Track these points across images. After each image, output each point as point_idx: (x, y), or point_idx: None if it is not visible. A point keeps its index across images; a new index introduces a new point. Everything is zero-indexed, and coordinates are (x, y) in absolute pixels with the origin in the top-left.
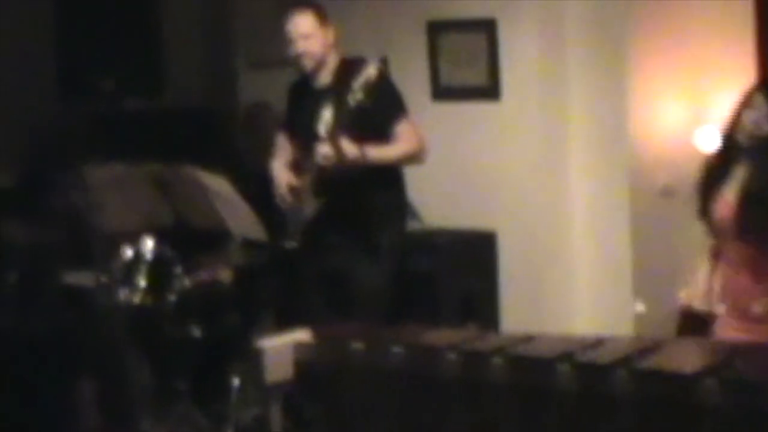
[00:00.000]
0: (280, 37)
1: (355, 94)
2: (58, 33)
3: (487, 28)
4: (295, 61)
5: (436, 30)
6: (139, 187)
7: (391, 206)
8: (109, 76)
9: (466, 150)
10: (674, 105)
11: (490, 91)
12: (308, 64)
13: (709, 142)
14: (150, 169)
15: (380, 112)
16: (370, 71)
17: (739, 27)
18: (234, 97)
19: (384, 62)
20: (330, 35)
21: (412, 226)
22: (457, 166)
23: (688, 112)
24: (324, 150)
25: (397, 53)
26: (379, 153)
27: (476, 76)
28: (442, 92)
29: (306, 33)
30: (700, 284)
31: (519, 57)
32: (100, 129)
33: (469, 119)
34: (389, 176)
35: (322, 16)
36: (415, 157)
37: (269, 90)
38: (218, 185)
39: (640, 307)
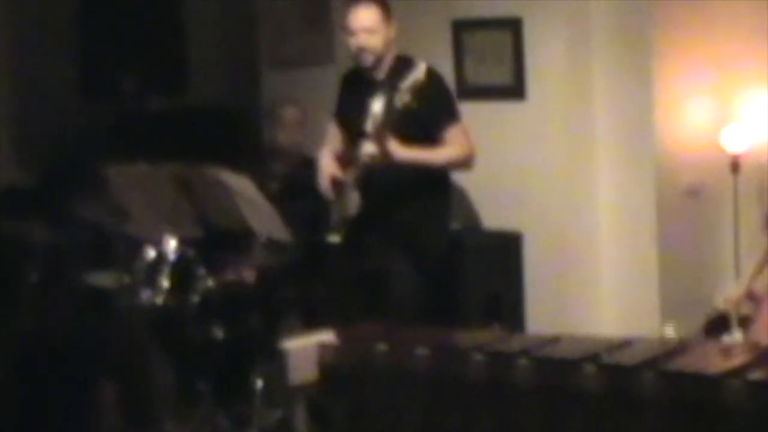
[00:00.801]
0: (303, 36)
1: (402, 96)
2: (80, 32)
3: (513, 26)
4: (355, 55)
5: (461, 28)
6: (161, 187)
7: (435, 209)
8: (131, 76)
9: (491, 150)
10: (700, 104)
11: (515, 90)
12: (368, 59)
13: (735, 141)
14: (172, 169)
15: (430, 115)
16: (419, 74)
17: (766, 25)
18: (257, 96)
19: None
20: (392, 31)
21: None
22: (482, 166)
23: (715, 112)
24: (369, 148)
25: (422, 52)
26: (425, 156)
27: (501, 75)
28: (467, 91)
29: (370, 27)
30: (741, 288)
31: (545, 56)
32: (123, 129)
33: (495, 119)
34: (436, 179)
35: (386, 11)
36: (462, 164)
37: (292, 89)
38: (241, 185)
39: (669, 330)
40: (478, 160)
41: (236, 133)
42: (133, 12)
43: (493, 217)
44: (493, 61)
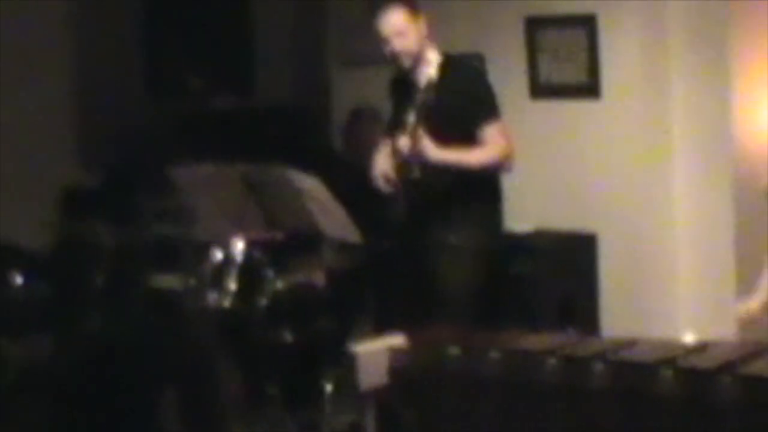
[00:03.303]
0: (372, 35)
1: (422, 94)
2: (146, 31)
3: (587, 24)
4: (392, 60)
5: (535, 26)
6: (228, 187)
7: (482, 207)
8: (198, 75)
9: (565, 149)
10: None
11: (590, 88)
12: (406, 61)
13: None
14: (240, 170)
15: (468, 112)
16: (430, 71)
17: None
18: (326, 95)
19: (481, 60)
20: (423, 27)
21: None
22: (556, 166)
23: None
24: (403, 142)
25: (495, 50)
26: (458, 156)
27: (576, 74)
28: (540, 90)
29: (399, 30)
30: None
31: (620, 54)
32: (189, 128)
33: (569, 118)
34: (482, 177)
35: (413, 8)
36: (498, 166)
37: (361, 88)
38: (311, 186)
39: (689, 338)
40: (552, 159)
41: (305, 133)
42: (201, 10)
43: (567, 217)
44: (568, 59)
